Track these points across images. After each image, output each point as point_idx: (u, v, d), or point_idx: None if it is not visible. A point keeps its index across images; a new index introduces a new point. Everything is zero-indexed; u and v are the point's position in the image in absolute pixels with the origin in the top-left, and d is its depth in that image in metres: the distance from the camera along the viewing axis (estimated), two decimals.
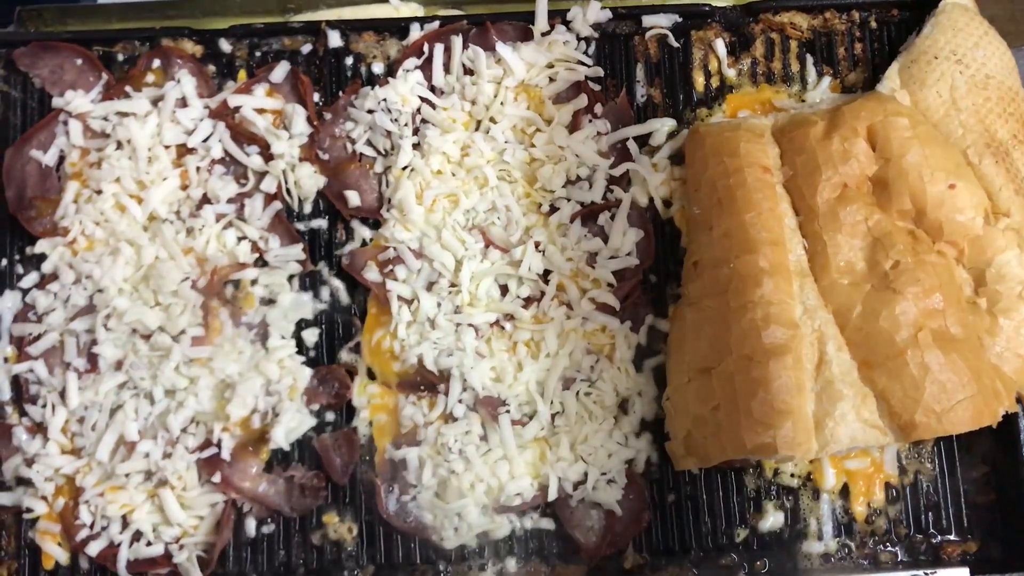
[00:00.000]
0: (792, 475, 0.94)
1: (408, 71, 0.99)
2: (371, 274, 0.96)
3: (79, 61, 0.99)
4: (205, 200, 0.98)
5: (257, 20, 1.00)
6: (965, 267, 0.88)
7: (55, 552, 0.93)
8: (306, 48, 1.01)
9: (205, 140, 0.98)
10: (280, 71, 0.99)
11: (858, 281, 0.86)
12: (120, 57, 1.01)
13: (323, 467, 0.94)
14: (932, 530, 0.93)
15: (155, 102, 0.98)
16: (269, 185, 0.98)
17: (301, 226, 0.98)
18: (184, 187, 0.98)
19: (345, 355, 0.96)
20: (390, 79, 0.99)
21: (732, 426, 0.86)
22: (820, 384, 0.86)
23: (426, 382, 0.95)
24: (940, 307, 0.84)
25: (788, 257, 0.88)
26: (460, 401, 0.93)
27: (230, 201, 0.98)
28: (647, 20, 1.01)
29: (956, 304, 0.86)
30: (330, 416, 0.95)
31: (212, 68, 1.01)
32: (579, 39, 1.01)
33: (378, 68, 1.01)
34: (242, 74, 1.01)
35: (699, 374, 0.89)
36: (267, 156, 0.98)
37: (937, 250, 0.87)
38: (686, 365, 0.90)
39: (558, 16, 1.01)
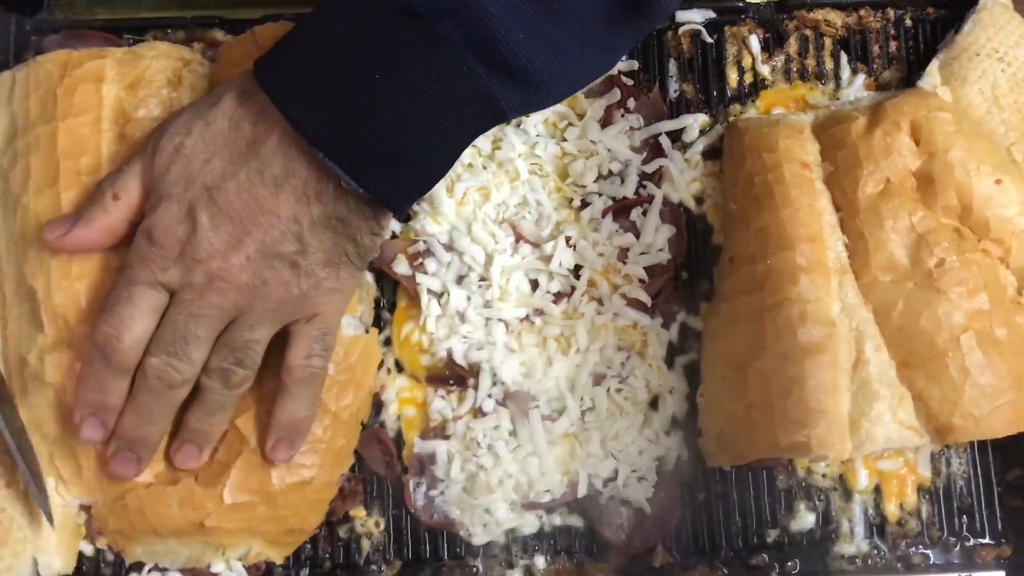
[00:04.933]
0: (824, 475, 0.93)
1: None
2: (401, 267, 0.95)
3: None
4: None
5: (289, 10, 0.99)
6: (1009, 267, 0.87)
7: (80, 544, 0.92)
8: None
9: None
10: None
11: (900, 279, 0.85)
12: None
13: (363, 466, 0.93)
14: (966, 533, 0.92)
15: None
16: None
17: None
18: None
19: None
20: None
21: (766, 424, 0.85)
22: (857, 384, 0.85)
23: (455, 376, 0.94)
24: (985, 308, 0.83)
25: (827, 254, 0.87)
26: (490, 396, 0.92)
27: None
28: (680, 15, 1.00)
29: (1001, 305, 0.85)
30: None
31: None
32: None
33: None
34: None
35: (734, 371, 0.88)
36: None
37: (982, 248, 0.86)
38: (720, 362, 0.89)
39: None
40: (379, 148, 0.75)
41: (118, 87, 0.88)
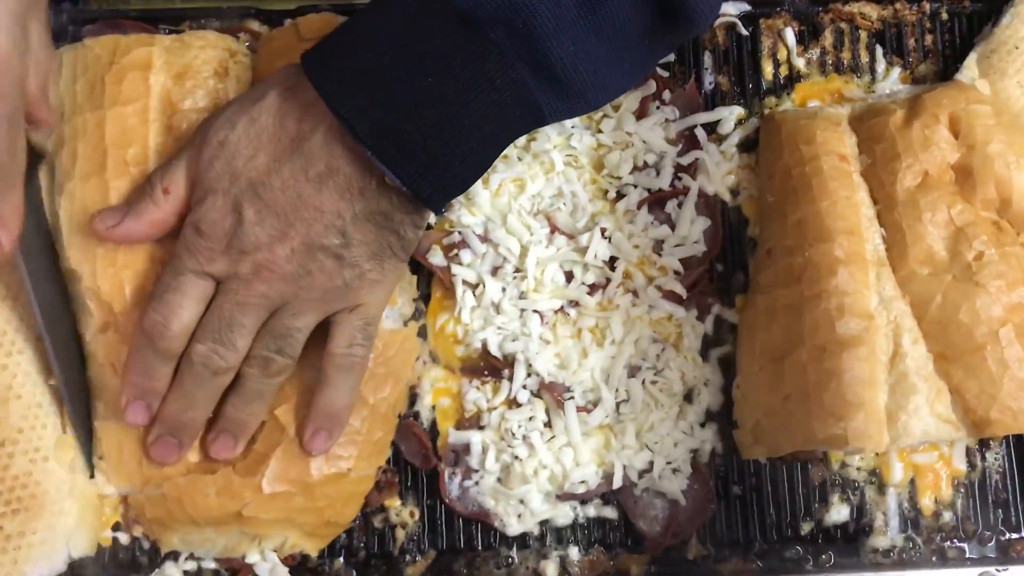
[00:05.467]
0: (858, 468, 0.93)
1: None
2: (436, 258, 0.95)
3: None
4: None
5: (324, 0, 1.00)
6: None
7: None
8: None
9: None
10: None
11: (938, 272, 0.85)
12: None
13: (401, 457, 0.93)
14: (1001, 527, 0.92)
15: None
16: None
17: None
18: None
19: None
20: None
21: (803, 416, 0.85)
22: (894, 377, 0.85)
23: (490, 367, 0.94)
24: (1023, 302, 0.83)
25: (864, 246, 0.87)
26: (524, 387, 0.92)
27: None
28: None
29: None
30: None
31: None
32: None
33: None
34: None
35: (771, 363, 0.88)
36: None
37: (1021, 242, 0.86)
38: (757, 354, 0.89)
39: None
40: (425, 149, 0.76)
41: (165, 76, 0.88)
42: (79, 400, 0.88)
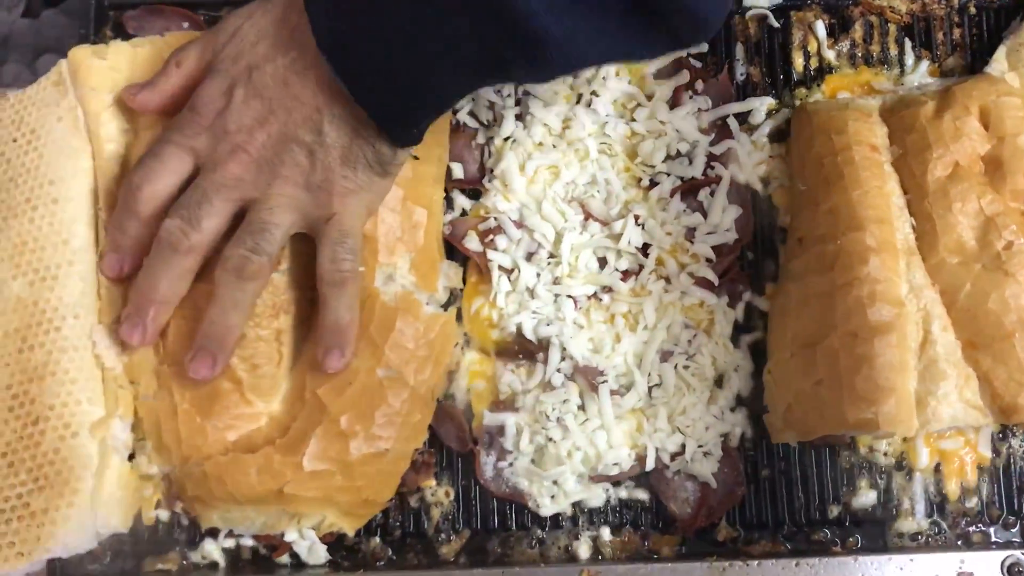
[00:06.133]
0: (885, 454, 0.95)
1: None
2: (472, 243, 0.96)
3: (186, 25, 1.00)
4: None
5: None
6: None
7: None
8: None
9: None
10: None
11: (968, 260, 0.87)
12: None
13: (434, 439, 0.95)
14: None
15: None
16: None
17: None
18: None
19: None
20: None
21: (835, 401, 0.86)
22: (923, 363, 0.87)
23: (524, 351, 0.96)
24: None
25: (895, 235, 0.88)
26: (559, 370, 0.94)
27: None
28: (747, 0, 1.02)
29: None
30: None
31: None
32: None
33: None
34: None
35: (802, 349, 0.89)
36: None
37: None
38: (789, 340, 0.91)
39: None
40: (376, 64, 0.78)
41: None
42: None
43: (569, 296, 0.95)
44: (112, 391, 0.90)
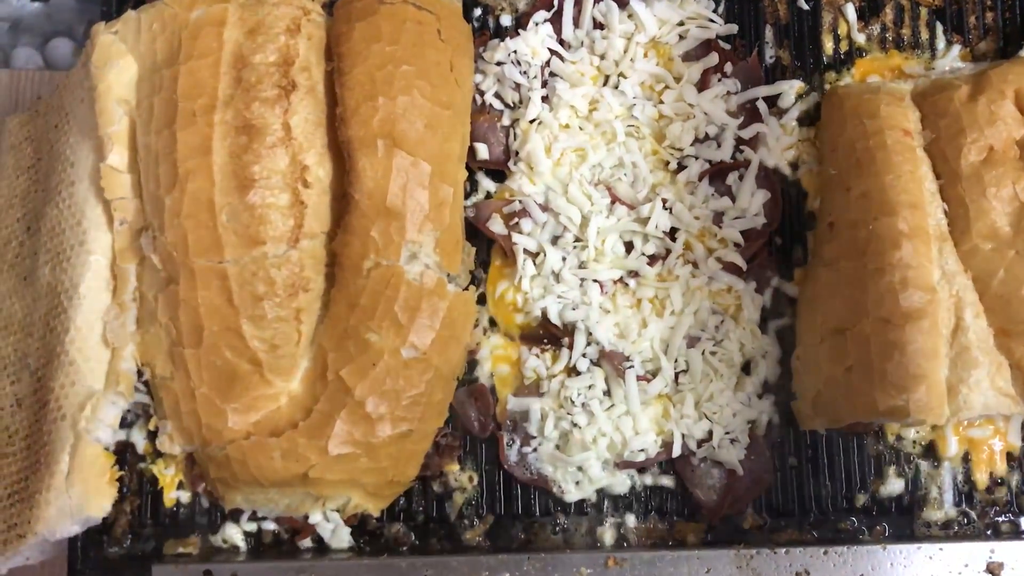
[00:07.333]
0: (914, 442, 0.94)
1: (538, 23, 0.98)
2: (496, 226, 0.95)
3: None
4: None
5: None
6: None
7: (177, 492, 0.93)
8: None
9: None
10: None
11: (1001, 246, 0.86)
12: None
13: (459, 423, 0.94)
14: None
15: None
16: None
17: None
18: None
19: None
20: (520, 31, 0.98)
21: (865, 388, 0.85)
22: (955, 350, 0.86)
23: (549, 335, 0.95)
24: None
25: (928, 221, 0.87)
26: (584, 355, 0.93)
27: None
28: None
29: None
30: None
31: None
32: None
33: (506, 20, 1.00)
34: None
35: (832, 334, 0.88)
36: None
37: None
38: (819, 325, 0.90)
39: None
40: None
41: (239, 32, 0.90)
42: None
43: (595, 280, 0.94)
44: (114, 371, 0.89)
